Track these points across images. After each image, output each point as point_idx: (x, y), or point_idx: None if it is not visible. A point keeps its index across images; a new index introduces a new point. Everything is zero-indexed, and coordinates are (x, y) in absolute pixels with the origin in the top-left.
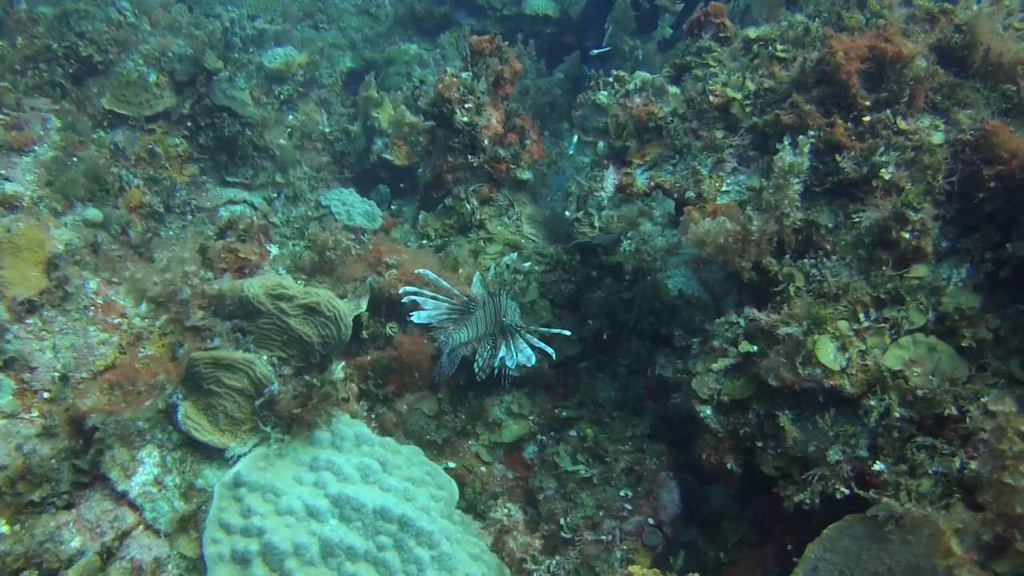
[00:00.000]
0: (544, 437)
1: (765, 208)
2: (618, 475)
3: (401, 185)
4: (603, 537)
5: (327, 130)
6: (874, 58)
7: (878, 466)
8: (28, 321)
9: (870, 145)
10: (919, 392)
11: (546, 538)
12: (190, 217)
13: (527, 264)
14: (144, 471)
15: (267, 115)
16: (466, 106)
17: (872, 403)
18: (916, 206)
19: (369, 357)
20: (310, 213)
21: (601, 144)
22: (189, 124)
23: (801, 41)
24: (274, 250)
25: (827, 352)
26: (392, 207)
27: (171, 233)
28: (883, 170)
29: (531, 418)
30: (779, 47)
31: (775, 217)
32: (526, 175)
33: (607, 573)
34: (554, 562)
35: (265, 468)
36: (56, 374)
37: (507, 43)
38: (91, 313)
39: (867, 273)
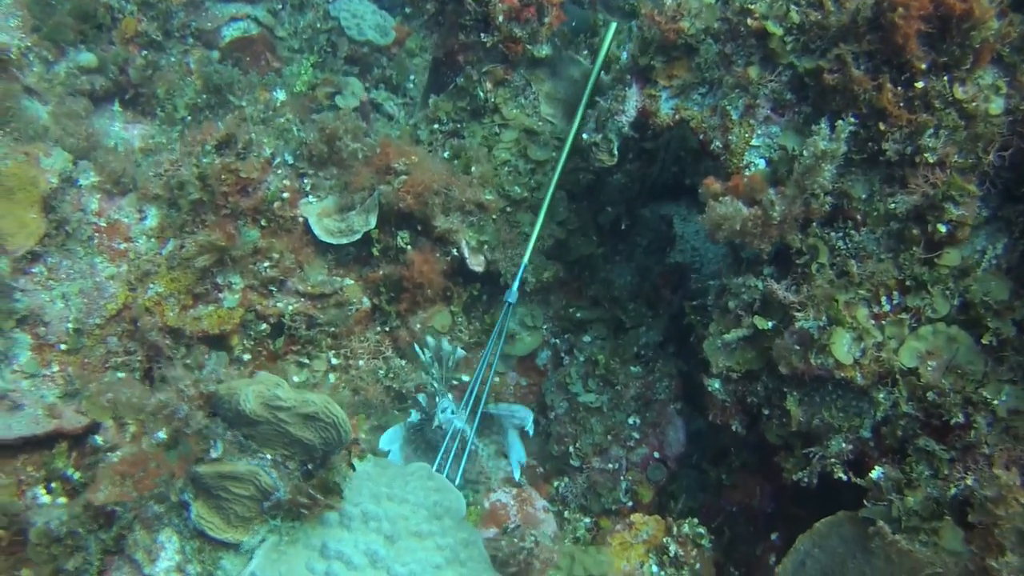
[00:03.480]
0: (557, 340)
1: (791, 191)
2: (627, 402)
3: None
4: (610, 465)
5: None
6: (938, 16)
7: (875, 474)
8: (33, 270)
9: (919, 123)
10: (929, 395)
11: (555, 458)
12: (191, 40)
13: (540, 153)
14: (166, 556)
15: None
16: None
17: (881, 396)
18: (957, 199)
19: (381, 272)
20: (319, 24)
21: (624, 55)
22: None
23: None
24: (282, 85)
25: (841, 346)
26: (407, 10)
27: (172, 59)
28: (927, 154)
29: (544, 327)
30: None
31: (802, 199)
32: (544, 51)
33: (611, 503)
34: (563, 483)
35: (278, 559)
36: (70, 325)
37: None
38: (96, 242)
39: (896, 251)
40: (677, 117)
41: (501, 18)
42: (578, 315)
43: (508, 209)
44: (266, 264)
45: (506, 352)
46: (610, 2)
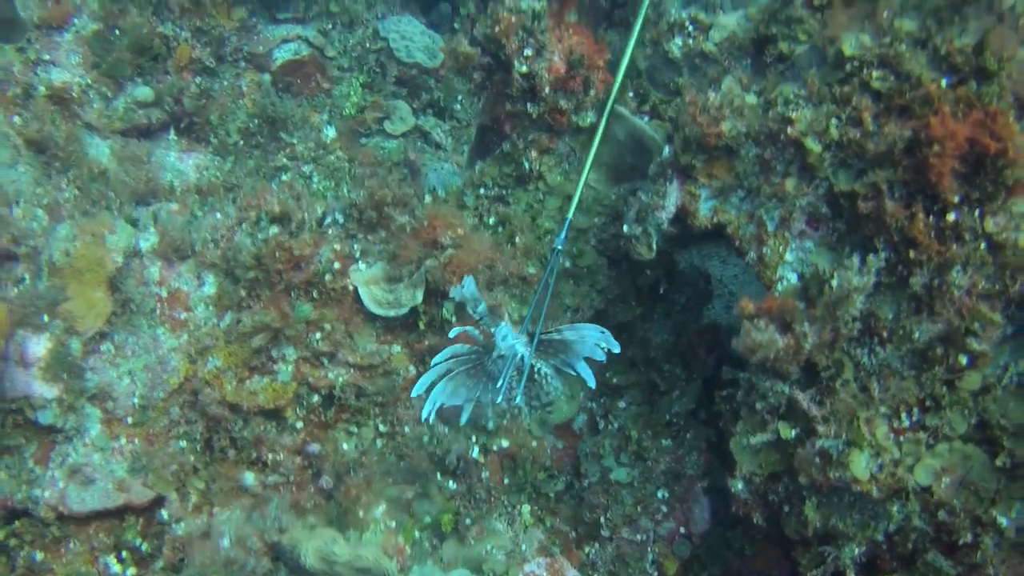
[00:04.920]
0: (593, 404)
1: (821, 316)
2: (657, 475)
3: None
4: (638, 536)
5: None
6: (973, 153)
7: None
8: (102, 348)
9: (948, 256)
10: (940, 513)
11: (587, 524)
12: (243, 64)
13: (583, 220)
14: None
15: None
16: (525, 53)
17: (895, 509)
18: (979, 333)
19: (427, 343)
20: (368, 44)
21: (667, 149)
22: None
23: (903, 67)
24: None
25: (859, 463)
26: (456, 26)
27: (225, 83)
28: (955, 289)
29: (581, 394)
30: (875, 75)
31: (831, 326)
32: (589, 119)
33: (638, 572)
34: (594, 550)
35: None
36: (136, 400)
37: None
38: (158, 312)
39: (919, 370)
40: (715, 220)
41: (547, 89)
42: (614, 380)
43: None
44: (318, 336)
45: (543, 419)
46: (655, 77)
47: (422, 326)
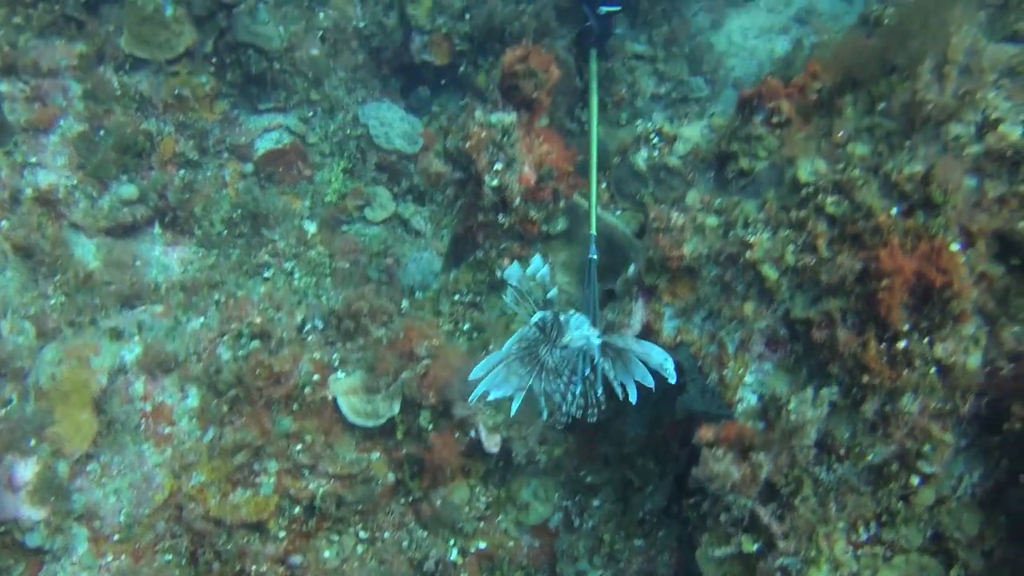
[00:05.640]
0: (568, 503)
1: (778, 441)
2: None
3: (442, 82)
4: None
5: (362, 25)
6: (920, 285)
7: None
8: (88, 469)
9: (899, 384)
10: None
11: None
12: (226, 155)
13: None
14: None
15: (296, 33)
16: (495, 168)
17: None
18: (930, 457)
19: (404, 451)
20: (348, 130)
21: (632, 268)
22: (215, 60)
23: (855, 195)
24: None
25: None
26: (434, 108)
27: (209, 174)
28: (906, 415)
29: (556, 495)
30: (829, 201)
31: (788, 452)
32: (559, 226)
33: None
34: None
35: None
36: (122, 518)
37: (543, 43)
38: (143, 428)
39: (876, 485)
40: (679, 340)
41: (518, 200)
42: (588, 479)
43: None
44: (299, 447)
45: (519, 520)
46: (622, 188)
47: (400, 435)
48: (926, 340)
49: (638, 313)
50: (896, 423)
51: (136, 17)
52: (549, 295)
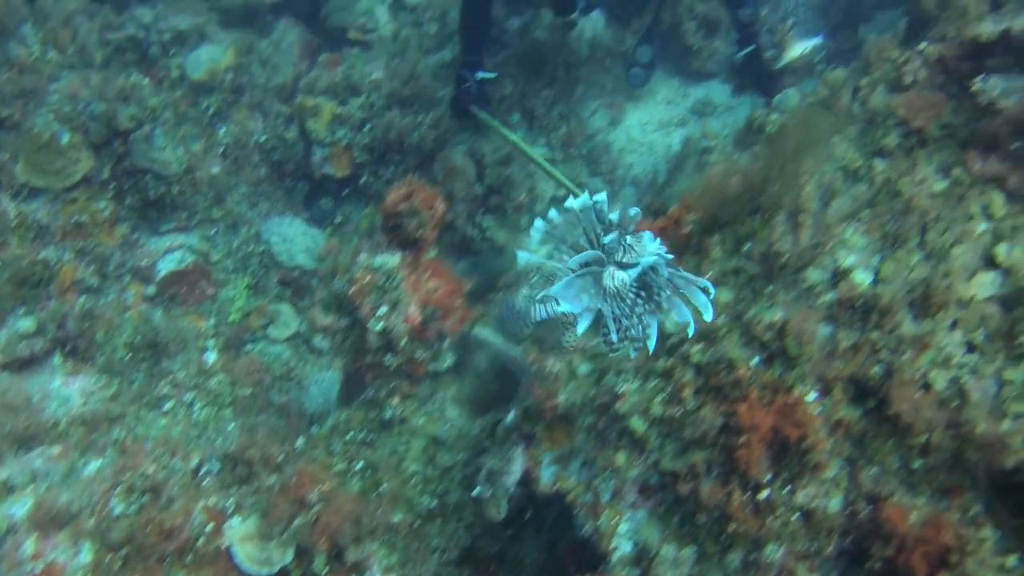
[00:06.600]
0: None
1: None
2: None
3: (344, 192)
4: None
5: (263, 139)
6: (778, 439)
7: None
8: None
9: (762, 533)
10: None
11: None
12: (127, 279)
13: (447, 458)
14: None
15: (195, 153)
16: (379, 313)
17: None
18: None
19: None
20: (252, 247)
21: (512, 414)
22: (113, 186)
23: (718, 346)
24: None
25: None
26: (338, 218)
27: (110, 298)
28: (771, 558)
29: None
30: (695, 350)
31: None
32: (447, 363)
33: None
34: None
35: None
36: None
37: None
38: None
39: None
40: (557, 487)
41: (404, 341)
42: None
43: (415, 524)
44: None
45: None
46: (506, 327)
47: None
48: (787, 489)
49: (518, 460)
50: (761, 571)
51: (32, 145)
52: (612, 216)
